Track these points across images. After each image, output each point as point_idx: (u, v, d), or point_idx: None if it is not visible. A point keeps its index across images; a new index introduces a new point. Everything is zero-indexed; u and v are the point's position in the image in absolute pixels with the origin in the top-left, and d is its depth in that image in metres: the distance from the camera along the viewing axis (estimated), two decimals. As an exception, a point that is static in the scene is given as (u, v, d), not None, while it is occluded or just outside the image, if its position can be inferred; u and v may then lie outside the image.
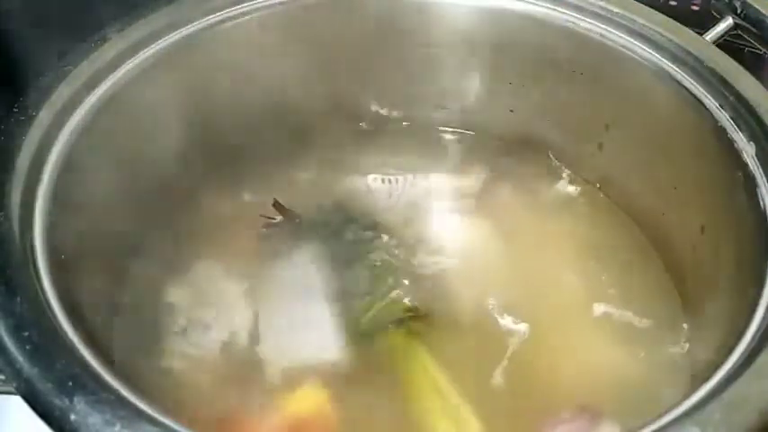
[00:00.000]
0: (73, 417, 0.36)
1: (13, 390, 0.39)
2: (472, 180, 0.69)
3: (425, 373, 0.54)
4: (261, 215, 0.63)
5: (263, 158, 0.68)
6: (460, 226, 0.66)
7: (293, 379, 0.53)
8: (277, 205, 0.63)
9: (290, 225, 0.63)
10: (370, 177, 0.68)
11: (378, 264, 0.60)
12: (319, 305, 0.57)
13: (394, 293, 0.58)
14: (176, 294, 0.58)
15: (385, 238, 0.62)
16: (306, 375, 0.53)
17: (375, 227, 0.63)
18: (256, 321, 0.57)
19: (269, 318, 0.57)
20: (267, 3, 0.63)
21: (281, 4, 0.63)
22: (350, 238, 0.62)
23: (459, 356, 0.55)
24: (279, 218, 0.63)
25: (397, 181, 0.68)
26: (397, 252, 0.61)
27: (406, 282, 0.59)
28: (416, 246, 0.63)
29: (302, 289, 0.58)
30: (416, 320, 0.57)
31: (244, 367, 0.54)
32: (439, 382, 0.53)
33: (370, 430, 0.51)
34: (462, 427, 0.51)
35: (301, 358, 0.55)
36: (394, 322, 0.56)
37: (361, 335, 0.56)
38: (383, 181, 0.68)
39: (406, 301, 0.58)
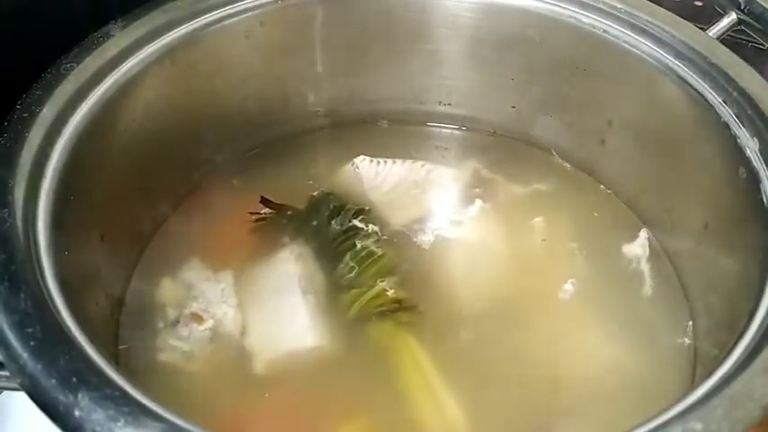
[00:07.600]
0: (77, 412, 0.36)
1: (17, 386, 0.39)
2: (470, 173, 0.69)
3: (414, 364, 0.54)
4: (249, 212, 0.63)
5: (259, 155, 0.69)
6: (454, 218, 0.65)
7: (278, 370, 0.54)
8: (264, 201, 0.63)
9: (280, 219, 0.63)
10: (359, 158, 0.68)
11: (363, 255, 0.60)
12: (305, 298, 0.57)
13: (380, 285, 0.58)
14: (168, 289, 0.59)
15: (372, 227, 0.62)
16: (290, 367, 0.54)
17: (363, 214, 0.63)
18: (243, 315, 0.57)
19: (255, 311, 0.57)
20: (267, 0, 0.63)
21: (281, 0, 0.63)
22: (337, 229, 0.62)
23: (450, 347, 0.55)
24: (266, 211, 0.63)
25: (385, 163, 0.68)
26: (384, 239, 0.62)
27: (394, 272, 0.59)
28: (405, 234, 0.63)
29: (289, 282, 0.58)
30: (403, 311, 0.57)
31: (231, 360, 0.55)
32: (427, 374, 0.53)
33: (359, 421, 0.51)
34: (449, 419, 0.51)
35: (285, 350, 0.55)
36: (380, 314, 0.57)
37: (348, 327, 0.56)
38: (371, 161, 0.67)
39: (392, 292, 0.58)
